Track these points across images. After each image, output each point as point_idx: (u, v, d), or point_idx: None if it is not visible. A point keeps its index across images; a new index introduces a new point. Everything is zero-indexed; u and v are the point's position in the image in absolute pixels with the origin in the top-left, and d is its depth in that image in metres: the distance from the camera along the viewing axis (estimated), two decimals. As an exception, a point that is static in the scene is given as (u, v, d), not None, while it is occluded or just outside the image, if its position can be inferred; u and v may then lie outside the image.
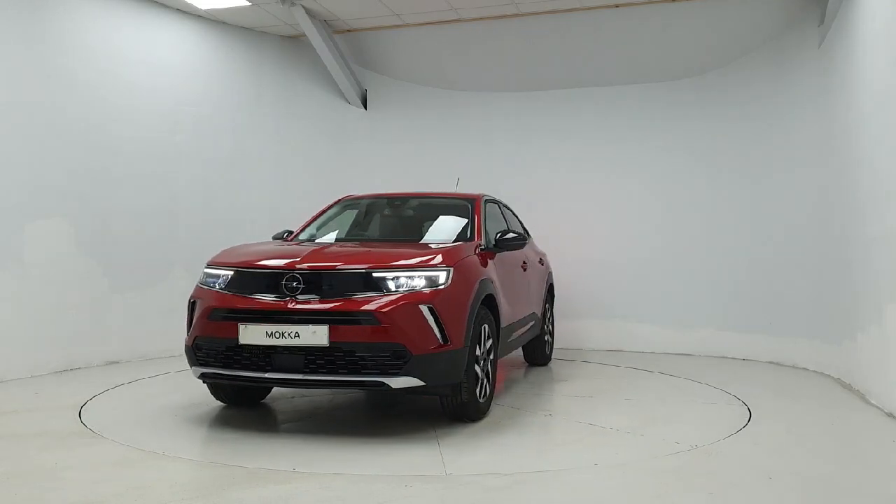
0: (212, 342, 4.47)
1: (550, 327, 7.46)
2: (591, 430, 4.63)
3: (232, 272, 4.62)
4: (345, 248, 5.05)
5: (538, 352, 7.08)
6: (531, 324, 6.48)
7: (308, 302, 4.30)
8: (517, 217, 7.12)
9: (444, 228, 5.64)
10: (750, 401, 5.43)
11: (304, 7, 7.78)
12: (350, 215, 6.24)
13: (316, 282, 4.36)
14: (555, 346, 7.60)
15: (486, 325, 4.89)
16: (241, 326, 4.31)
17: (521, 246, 5.65)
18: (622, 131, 8.32)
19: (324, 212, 6.24)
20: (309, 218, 6.28)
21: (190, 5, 7.67)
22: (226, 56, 8.35)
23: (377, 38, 8.69)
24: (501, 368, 6.98)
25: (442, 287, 4.41)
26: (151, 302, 7.37)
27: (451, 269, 4.50)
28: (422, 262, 4.49)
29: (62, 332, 6.59)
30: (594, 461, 3.90)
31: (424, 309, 4.28)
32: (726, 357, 7.70)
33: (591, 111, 8.42)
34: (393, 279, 4.36)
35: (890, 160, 4.82)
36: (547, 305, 7.28)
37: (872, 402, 5.30)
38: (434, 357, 4.29)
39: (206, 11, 7.89)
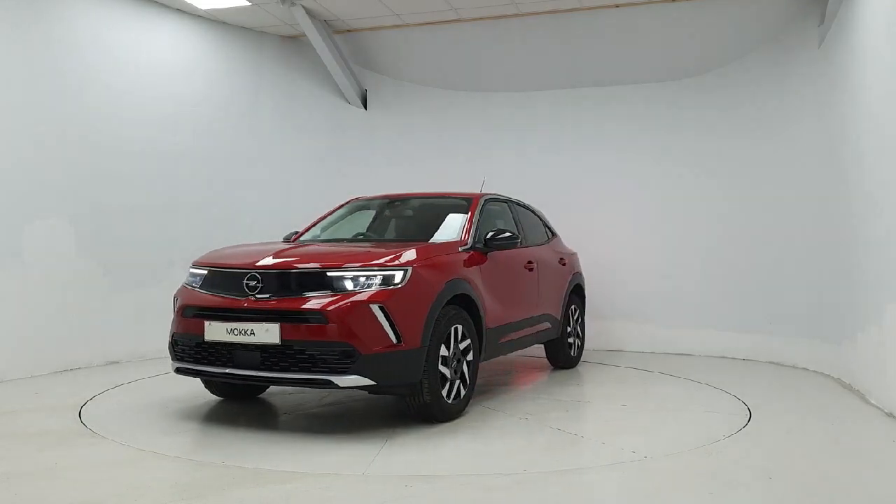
0: (185, 338, 4.66)
1: (579, 330, 7.27)
2: (553, 435, 4.50)
3: (206, 272, 4.83)
4: (310, 248, 5.06)
5: (560, 354, 6.92)
6: (542, 325, 6.33)
7: (264, 301, 4.39)
8: (541, 217, 7.02)
9: (439, 228, 5.60)
10: (750, 401, 5.43)
11: (304, 7, 7.78)
12: (356, 216, 6.30)
13: (273, 281, 4.46)
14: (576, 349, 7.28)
15: (460, 326, 4.83)
16: (206, 324, 4.49)
17: (513, 246, 5.57)
18: (622, 131, 8.31)
19: (332, 212, 6.34)
20: (316, 218, 6.38)
21: (190, 5, 7.67)
22: (226, 56, 8.35)
23: (377, 38, 8.69)
24: (528, 371, 6.93)
25: (397, 287, 4.41)
26: (151, 302, 7.36)
27: (409, 269, 4.49)
28: (377, 262, 4.49)
29: (62, 332, 6.59)
30: (524, 468, 3.77)
31: (375, 308, 4.29)
32: (726, 357, 7.70)
33: (591, 111, 8.42)
34: (347, 279, 4.40)
35: (890, 160, 4.81)
36: (573, 307, 7.11)
37: (872, 402, 5.30)
38: (385, 357, 4.30)
39: (206, 11, 7.89)
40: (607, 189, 8.32)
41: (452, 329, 4.76)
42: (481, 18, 8.08)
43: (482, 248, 5.39)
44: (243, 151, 8.45)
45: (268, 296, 4.40)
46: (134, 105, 7.35)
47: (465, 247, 5.25)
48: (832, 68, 6.45)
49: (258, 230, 8.06)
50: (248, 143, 8.51)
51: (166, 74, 7.71)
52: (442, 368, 4.62)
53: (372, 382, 4.27)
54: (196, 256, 5.18)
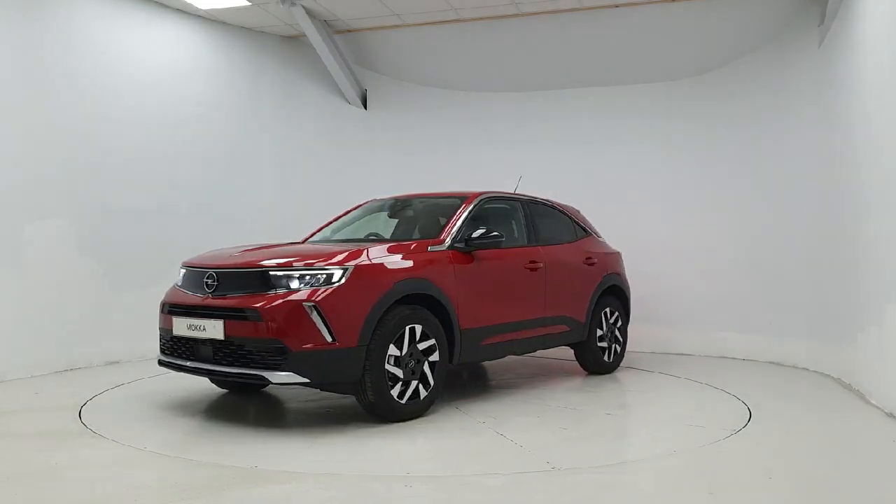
0: (164, 332, 5.03)
1: (618, 334, 6.87)
2: (490, 442, 4.28)
3: (185, 271, 5.11)
4: (272, 249, 5.07)
5: (588, 358, 6.60)
6: (556, 327, 6.09)
7: (215, 298, 4.64)
8: (571, 216, 6.78)
9: (434, 227, 5.58)
10: (750, 401, 5.42)
11: (304, 7, 7.78)
12: (369, 217, 6.34)
13: (225, 280, 4.68)
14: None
15: (419, 326, 4.77)
16: (174, 319, 4.83)
17: (497, 246, 5.37)
18: (621, 131, 8.31)
19: (348, 212, 6.46)
20: (331, 218, 6.52)
21: (190, 5, 7.67)
22: (226, 56, 8.35)
23: (377, 38, 8.69)
24: (556, 374, 6.70)
25: (334, 286, 4.46)
26: (151, 302, 7.27)
27: (349, 269, 4.53)
28: (316, 261, 4.56)
29: (62, 332, 6.59)
30: (406, 471, 3.68)
31: (308, 306, 4.36)
32: (726, 357, 7.70)
33: (591, 111, 8.42)
34: (290, 278, 4.50)
35: (890, 160, 4.81)
36: (609, 310, 6.73)
37: (872, 402, 5.30)
38: (317, 354, 4.36)
39: (206, 11, 7.89)
40: (605, 189, 8.31)
41: (408, 329, 4.71)
42: (481, 18, 8.08)
43: (463, 247, 5.28)
44: (243, 151, 8.44)
45: (220, 294, 4.63)
46: (134, 105, 7.35)
47: (441, 246, 5.18)
48: (832, 68, 6.45)
49: (258, 230, 8.06)
50: (248, 142, 8.50)
51: (166, 74, 7.70)
52: (392, 368, 4.60)
53: (305, 380, 4.38)
54: (194, 256, 5.23)
